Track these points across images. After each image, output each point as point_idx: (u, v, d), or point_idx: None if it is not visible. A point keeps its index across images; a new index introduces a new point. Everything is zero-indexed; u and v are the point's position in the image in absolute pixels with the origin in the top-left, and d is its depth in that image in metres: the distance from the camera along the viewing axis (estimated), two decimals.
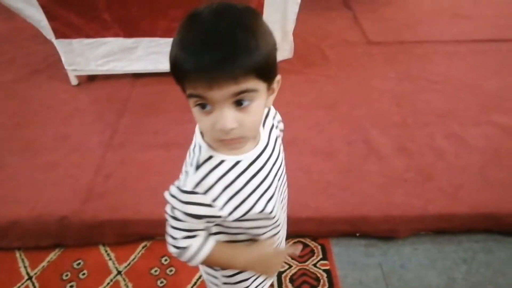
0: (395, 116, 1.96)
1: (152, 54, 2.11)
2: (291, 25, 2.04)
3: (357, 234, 1.52)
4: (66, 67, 2.15)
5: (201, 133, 0.72)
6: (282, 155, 0.80)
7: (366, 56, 2.41)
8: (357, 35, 2.61)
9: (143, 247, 1.52)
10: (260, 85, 0.61)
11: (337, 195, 1.56)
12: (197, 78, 0.57)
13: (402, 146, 1.78)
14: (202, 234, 0.75)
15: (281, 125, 0.87)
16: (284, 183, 0.85)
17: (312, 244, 1.51)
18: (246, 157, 0.71)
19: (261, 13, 1.96)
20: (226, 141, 0.64)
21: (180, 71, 0.59)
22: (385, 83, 2.19)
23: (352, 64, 2.35)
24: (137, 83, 2.22)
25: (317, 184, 1.62)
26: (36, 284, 1.42)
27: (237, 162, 0.70)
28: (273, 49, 0.62)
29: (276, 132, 0.80)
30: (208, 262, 0.78)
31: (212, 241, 0.76)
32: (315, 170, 1.67)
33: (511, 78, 2.19)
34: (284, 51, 2.16)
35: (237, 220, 0.72)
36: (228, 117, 0.60)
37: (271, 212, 0.75)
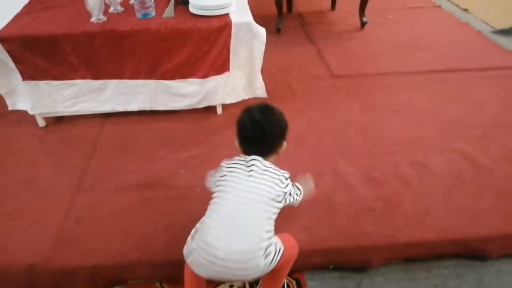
0: (361, 146, 2.02)
1: (121, 95, 2.12)
2: (258, 64, 2.10)
3: (331, 267, 1.54)
4: (31, 111, 2.12)
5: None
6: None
7: (331, 89, 2.50)
8: (321, 69, 2.70)
9: None
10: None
11: (309, 227, 1.58)
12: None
13: (369, 176, 1.83)
14: None
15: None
16: None
17: (287, 279, 1.51)
18: None
19: (228, 53, 2.03)
20: None
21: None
22: (350, 114, 2.27)
23: (318, 97, 2.42)
24: (107, 122, 2.22)
25: (289, 217, 1.63)
26: None
27: None
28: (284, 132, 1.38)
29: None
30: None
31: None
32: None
33: (468, 106, 2.32)
34: (257, 89, 2.22)
35: None
36: None
37: None
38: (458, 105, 2.33)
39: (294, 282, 1.51)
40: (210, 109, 2.26)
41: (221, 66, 2.06)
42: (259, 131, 1.30)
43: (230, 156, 1.36)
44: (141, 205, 1.71)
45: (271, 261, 1.20)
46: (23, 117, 2.21)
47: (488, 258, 1.56)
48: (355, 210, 1.67)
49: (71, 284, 1.48)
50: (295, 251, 1.34)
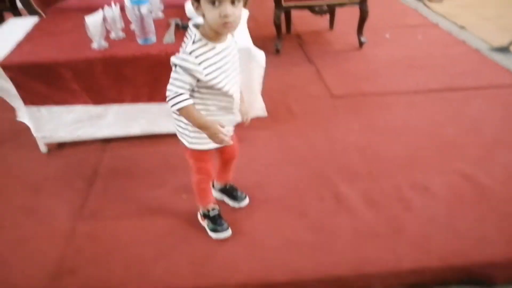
0: (361, 168, 2.02)
1: (122, 120, 2.13)
2: (258, 87, 2.11)
3: None
4: (35, 134, 2.14)
5: (196, 27, 1.25)
6: (237, 55, 1.35)
7: (330, 109, 2.51)
8: (320, 89, 2.72)
9: None
10: None
11: (312, 256, 1.57)
12: None
13: (371, 198, 1.83)
14: (187, 93, 1.25)
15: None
16: (237, 71, 1.38)
17: None
18: (220, 45, 1.25)
19: None
20: (226, 24, 1.16)
21: None
22: (350, 135, 2.27)
23: (317, 117, 2.44)
24: (108, 147, 2.22)
25: (293, 245, 1.63)
26: None
27: (215, 46, 1.24)
28: None
29: (235, 46, 1.35)
30: (183, 112, 1.28)
31: (191, 100, 1.26)
32: (289, 229, 1.69)
33: (467, 125, 2.32)
34: (257, 109, 2.23)
35: (208, 82, 1.25)
36: (228, 8, 1.13)
37: (224, 86, 1.29)
38: (457, 124, 2.34)
39: None
40: None
41: None
42: None
43: None
44: (142, 233, 1.70)
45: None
46: (24, 143, 2.22)
47: (493, 284, 1.54)
48: (358, 235, 1.66)
49: None
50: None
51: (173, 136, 2.26)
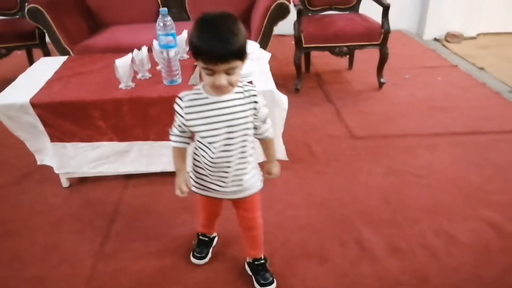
0: (384, 213, 1.99)
1: (145, 156, 2.16)
2: (280, 130, 2.12)
3: None
4: (57, 170, 2.18)
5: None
6: (242, 115, 1.29)
7: (351, 151, 2.50)
8: (341, 130, 2.73)
9: None
10: (239, 63, 1.16)
11: None
12: (209, 60, 1.12)
13: (395, 245, 1.79)
14: (182, 134, 1.36)
15: (258, 105, 1.33)
16: (237, 139, 1.31)
17: None
18: (215, 98, 1.26)
19: None
20: (221, 90, 1.22)
21: (201, 55, 1.13)
22: (372, 178, 2.25)
23: (339, 159, 2.43)
24: (129, 184, 2.24)
25: None
26: None
27: (207, 97, 1.26)
28: (246, 41, 1.15)
29: (249, 106, 1.30)
30: (172, 150, 1.41)
31: (179, 144, 1.38)
32: (310, 276, 1.66)
33: (491, 170, 2.28)
34: (278, 152, 2.21)
35: (190, 128, 1.30)
36: (223, 79, 1.16)
37: (208, 138, 1.30)
38: (481, 169, 2.30)
39: None
40: None
41: None
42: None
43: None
44: (162, 274, 1.69)
45: None
46: (47, 177, 2.26)
47: None
48: (381, 284, 1.61)
49: None
50: None
51: None
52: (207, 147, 1.32)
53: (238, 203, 1.50)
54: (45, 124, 2.03)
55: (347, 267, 1.69)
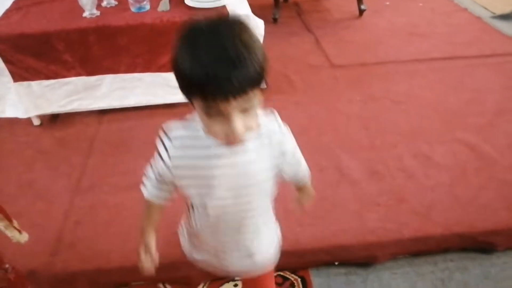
0: (363, 139, 1.99)
1: (117, 90, 2.07)
2: None
3: (336, 263, 1.52)
4: (24, 115, 2.06)
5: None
6: (261, 173, 0.88)
7: (331, 80, 2.46)
8: (320, 59, 2.66)
9: None
10: (258, 92, 0.72)
11: (313, 225, 1.56)
12: (215, 96, 0.66)
13: (373, 169, 1.81)
14: (157, 185, 0.96)
15: (286, 148, 0.95)
16: (246, 204, 0.91)
17: (292, 277, 1.49)
18: (220, 149, 0.79)
19: None
20: (234, 141, 0.74)
21: (199, 90, 0.67)
22: (351, 106, 2.23)
23: (318, 88, 2.38)
24: (104, 119, 2.17)
25: (293, 215, 1.60)
26: None
27: (210, 146, 0.80)
28: (265, 56, 0.71)
29: (270, 154, 0.88)
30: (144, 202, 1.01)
31: (155, 199, 1.01)
32: (289, 199, 1.67)
33: (469, 95, 2.28)
34: None
35: (176, 181, 0.89)
36: (239, 124, 0.69)
37: (197, 198, 0.91)
38: (460, 93, 2.30)
39: (299, 279, 1.49)
40: None
41: None
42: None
43: None
44: (140, 205, 1.67)
45: None
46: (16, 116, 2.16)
47: (494, 251, 1.54)
48: (360, 206, 1.64)
49: None
50: None
51: (169, 107, 2.23)
52: (199, 212, 0.95)
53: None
54: (5, 61, 1.90)
55: (327, 191, 1.71)
